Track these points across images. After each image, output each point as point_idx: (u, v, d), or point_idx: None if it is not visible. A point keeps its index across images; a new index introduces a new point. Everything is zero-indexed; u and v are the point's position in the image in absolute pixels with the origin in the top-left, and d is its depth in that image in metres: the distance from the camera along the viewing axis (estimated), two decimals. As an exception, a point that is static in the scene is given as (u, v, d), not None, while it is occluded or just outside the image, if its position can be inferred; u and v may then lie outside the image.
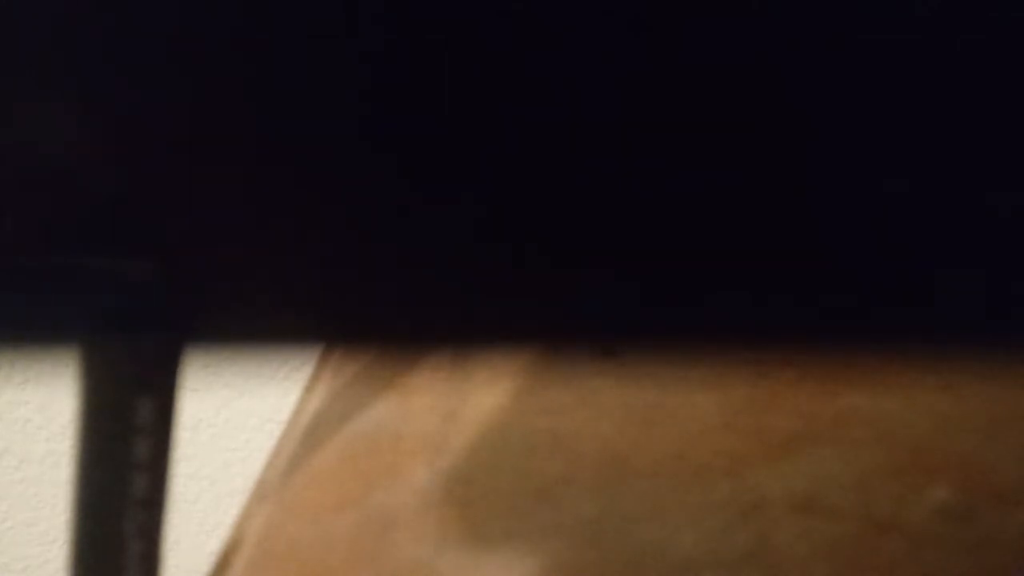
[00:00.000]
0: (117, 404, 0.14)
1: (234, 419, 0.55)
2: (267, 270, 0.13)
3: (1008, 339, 0.13)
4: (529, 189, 0.12)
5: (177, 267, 0.13)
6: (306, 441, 0.26)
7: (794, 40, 0.12)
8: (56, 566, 0.58)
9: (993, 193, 0.12)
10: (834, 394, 0.24)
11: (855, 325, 0.13)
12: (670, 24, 0.12)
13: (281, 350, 0.14)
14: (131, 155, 0.12)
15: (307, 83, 0.12)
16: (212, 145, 0.12)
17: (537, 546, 0.21)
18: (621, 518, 0.21)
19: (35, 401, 0.55)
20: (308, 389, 0.29)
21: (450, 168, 0.12)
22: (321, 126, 0.12)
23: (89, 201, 0.13)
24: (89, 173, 0.12)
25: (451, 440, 0.24)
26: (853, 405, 0.23)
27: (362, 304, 0.14)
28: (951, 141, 0.12)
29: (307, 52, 0.12)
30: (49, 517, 0.57)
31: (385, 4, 0.12)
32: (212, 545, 0.55)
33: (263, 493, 0.25)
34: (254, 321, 0.14)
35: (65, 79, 0.12)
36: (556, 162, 0.12)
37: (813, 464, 0.22)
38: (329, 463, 0.25)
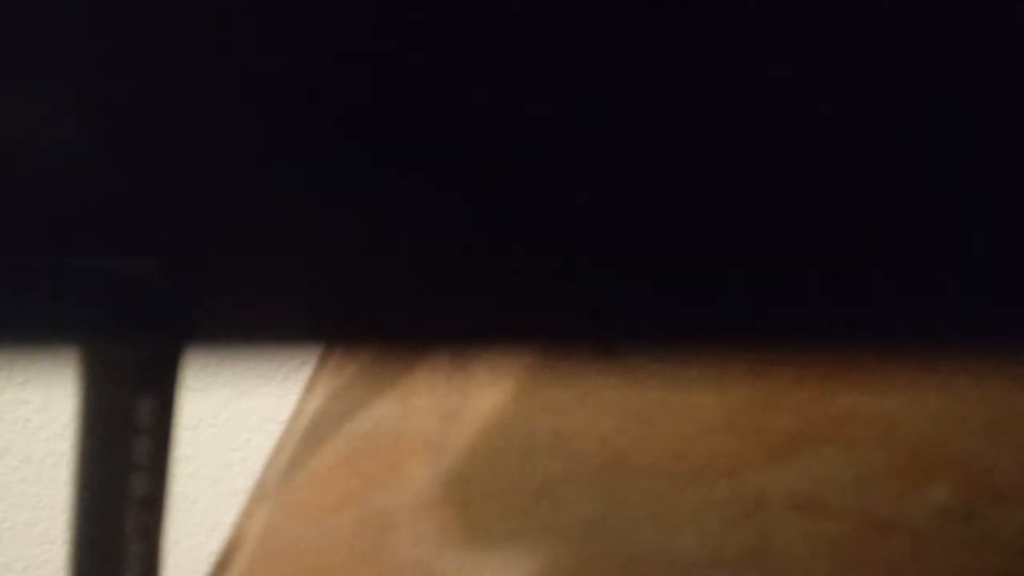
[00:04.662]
0: (117, 404, 0.14)
1: (234, 419, 0.55)
2: (267, 270, 0.13)
3: (1008, 339, 0.13)
4: (530, 189, 0.12)
5: (177, 267, 0.13)
6: (306, 441, 0.26)
7: (794, 40, 0.12)
8: (56, 566, 0.58)
9: (993, 193, 0.12)
10: (834, 394, 0.24)
11: (855, 325, 0.13)
12: (670, 29, 0.12)
13: (281, 350, 0.14)
14: (131, 155, 0.12)
15: (307, 82, 0.12)
16: (212, 145, 0.12)
17: (537, 546, 0.21)
18: (621, 518, 0.21)
19: (35, 401, 0.55)
20: (308, 389, 0.29)
21: (450, 168, 0.12)
22: (321, 125, 0.12)
23: (89, 201, 0.13)
24: (89, 173, 0.12)
25: (451, 440, 0.24)
26: (853, 405, 0.23)
27: (362, 304, 0.14)
28: (950, 141, 0.12)
29: (307, 52, 0.12)
30: (49, 517, 0.57)
31: (385, 4, 0.12)
32: (212, 545, 0.55)
33: (263, 493, 0.25)
34: (254, 321, 0.14)
35: (65, 79, 0.12)
36: (556, 162, 0.12)
37: (813, 464, 0.22)
38: (329, 463, 0.25)
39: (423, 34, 0.12)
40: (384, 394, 0.27)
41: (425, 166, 0.12)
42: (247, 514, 0.25)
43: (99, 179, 0.13)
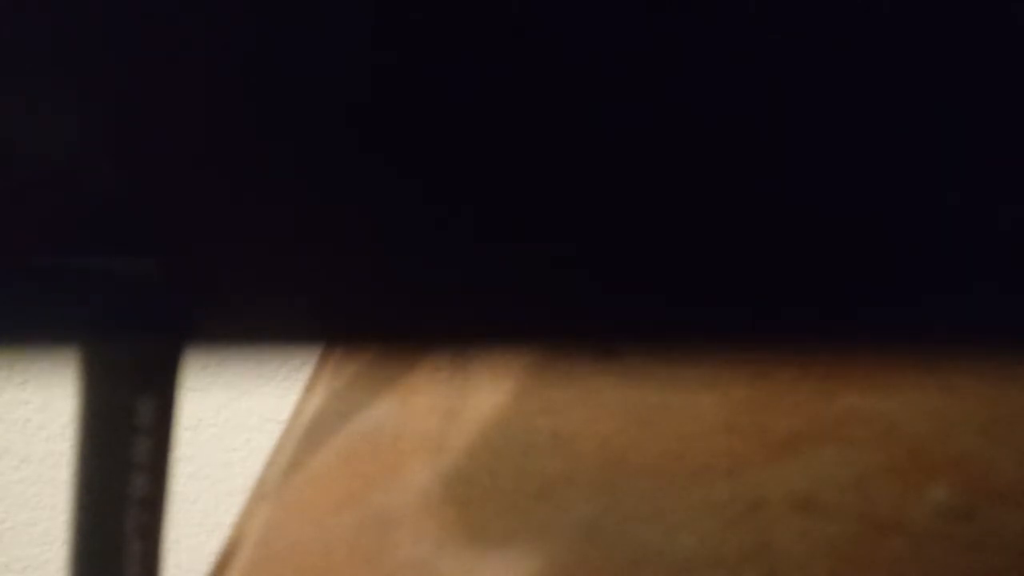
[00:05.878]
0: (117, 404, 0.14)
1: (234, 419, 0.55)
2: (267, 270, 0.13)
3: (1008, 339, 0.13)
4: (530, 189, 0.12)
5: (177, 267, 0.13)
6: (306, 441, 0.26)
7: (794, 40, 0.12)
8: (56, 566, 0.58)
9: (992, 193, 0.12)
10: (834, 394, 0.24)
11: (855, 325, 0.13)
12: (670, 29, 0.12)
13: (281, 350, 0.14)
14: (131, 155, 0.12)
15: (307, 83, 0.12)
16: (212, 145, 0.12)
17: (537, 546, 0.21)
18: (621, 518, 0.21)
19: (35, 401, 0.55)
20: (308, 389, 0.29)
21: (450, 168, 0.12)
22: (321, 126, 0.12)
23: (89, 201, 0.13)
24: (89, 173, 0.12)
25: (451, 440, 0.24)
26: (853, 405, 0.23)
27: (362, 304, 0.14)
28: (950, 141, 0.12)
29: (307, 51, 0.12)
30: (49, 517, 0.57)
31: (385, 4, 0.12)
32: (212, 545, 0.55)
33: (263, 493, 0.25)
34: (254, 321, 0.14)
35: (65, 79, 0.12)
36: (556, 162, 0.12)
37: (813, 464, 0.22)
38: (329, 463, 0.25)
39: (423, 34, 0.12)
40: (384, 394, 0.27)
41: (425, 166, 0.12)
42: (247, 514, 0.25)
43: (99, 179, 0.13)
